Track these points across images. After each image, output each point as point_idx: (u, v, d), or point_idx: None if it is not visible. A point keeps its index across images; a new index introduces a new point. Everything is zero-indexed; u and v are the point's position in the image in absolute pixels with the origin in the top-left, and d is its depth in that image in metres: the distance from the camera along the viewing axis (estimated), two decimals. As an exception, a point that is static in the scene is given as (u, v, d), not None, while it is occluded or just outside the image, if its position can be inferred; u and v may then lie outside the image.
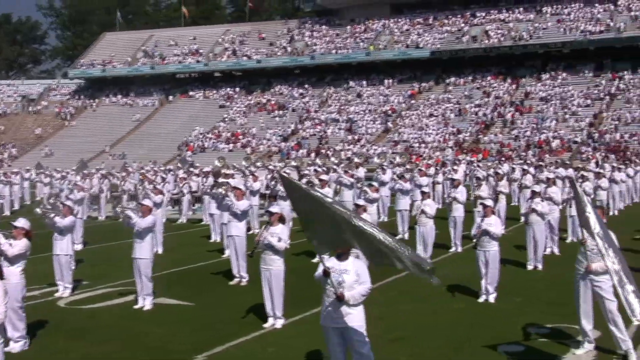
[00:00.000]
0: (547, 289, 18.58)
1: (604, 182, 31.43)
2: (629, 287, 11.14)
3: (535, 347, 13.59)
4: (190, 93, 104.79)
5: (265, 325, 15.02)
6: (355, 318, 10.47)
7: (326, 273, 10.26)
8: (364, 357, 10.45)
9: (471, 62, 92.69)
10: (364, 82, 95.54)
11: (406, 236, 27.31)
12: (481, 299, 17.13)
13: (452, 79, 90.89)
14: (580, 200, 11.81)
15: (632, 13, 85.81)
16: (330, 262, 10.47)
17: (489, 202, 17.43)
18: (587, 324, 12.93)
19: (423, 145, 77.56)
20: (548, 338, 14.09)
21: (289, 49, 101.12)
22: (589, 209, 11.67)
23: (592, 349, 12.96)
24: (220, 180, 23.76)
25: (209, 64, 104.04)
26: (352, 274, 10.51)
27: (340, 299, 10.21)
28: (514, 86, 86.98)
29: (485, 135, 77.93)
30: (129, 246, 17.20)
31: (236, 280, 19.63)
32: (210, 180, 30.98)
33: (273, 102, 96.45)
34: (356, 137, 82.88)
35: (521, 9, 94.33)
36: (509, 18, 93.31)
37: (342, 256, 10.65)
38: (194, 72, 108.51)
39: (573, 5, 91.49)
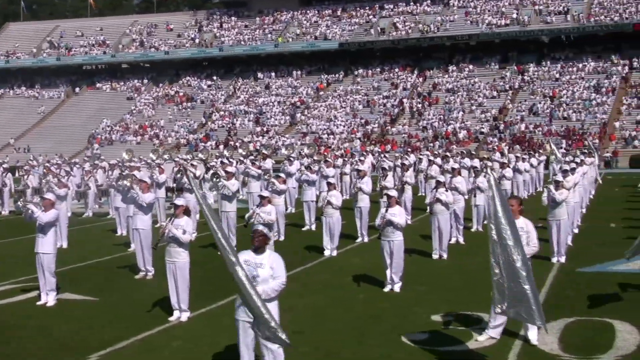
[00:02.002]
0: (451, 278, 18.82)
1: (509, 172, 31.93)
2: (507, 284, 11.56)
3: (439, 334, 13.77)
4: (97, 85, 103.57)
5: (171, 318, 14.92)
6: (269, 313, 10.38)
7: None
8: (274, 353, 10.42)
9: (379, 54, 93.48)
10: (273, 74, 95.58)
11: (313, 227, 27.43)
12: (386, 289, 17.28)
13: (361, 71, 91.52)
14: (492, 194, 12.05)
15: (537, 7, 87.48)
16: (246, 255, 10.37)
17: (393, 193, 17.55)
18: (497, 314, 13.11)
19: (331, 136, 77.91)
20: (452, 325, 14.29)
21: (197, 40, 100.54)
22: (497, 202, 11.86)
23: (495, 335, 13.16)
24: (126, 172, 23.51)
25: (116, 55, 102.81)
26: (267, 268, 10.41)
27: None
28: (421, 78, 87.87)
29: (393, 126, 78.62)
30: (33, 241, 16.91)
31: (142, 273, 19.44)
32: (116, 172, 30.61)
33: (181, 94, 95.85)
34: (265, 129, 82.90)
35: (429, 1, 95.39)
36: (417, 10, 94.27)
37: (258, 249, 10.58)
38: (100, 64, 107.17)
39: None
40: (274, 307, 10.43)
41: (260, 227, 10.82)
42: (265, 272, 10.36)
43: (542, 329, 12.43)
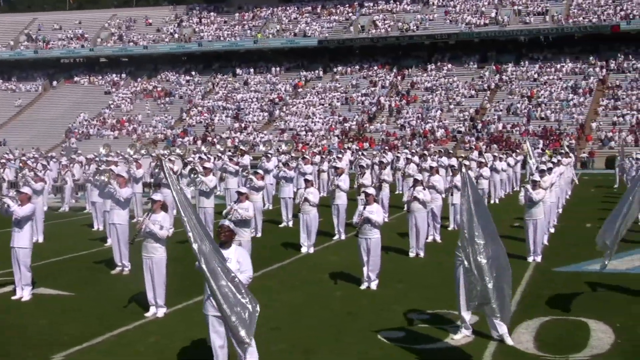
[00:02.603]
0: (428, 276, 18.87)
1: (486, 171, 31.99)
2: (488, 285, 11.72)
3: (416, 332, 13.82)
4: (75, 78, 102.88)
5: (147, 314, 14.90)
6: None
7: None
8: (248, 348, 10.44)
9: (358, 51, 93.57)
10: (252, 70, 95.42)
11: (290, 224, 27.42)
12: (363, 286, 17.31)
13: (340, 68, 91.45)
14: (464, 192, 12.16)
15: (516, 7, 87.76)
16: (213, 250, 10.40)
17: (371, 190, 17.59)
18: (465, 311, 13.19)
19: (309, 133, 77.91)
20: (428, 323, 14.34)
21: (176, 35, 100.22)
22: (470, 200, 12.00)
23: (469, 334, 13.25)
24: (103, 167, 23.43)
25: (95, 49, 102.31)
26: (234, 262, 10.48)
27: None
28: (400, 76, 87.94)
29: (371, 124, 78.68)
30: (8, 235, 16.83)
31: (118, 269, 19.38)
32: (93, 167, 30.47)
33: (159, 89, 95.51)
34: (243, 125, 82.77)
35: (409, 0, 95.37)
36: (397, 9, 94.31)
37: (224, 244, 10.61)
38: (79, 57, 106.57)
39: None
40: None
41: (227, 223, 10.87)
42: (233, 266, 10.40)
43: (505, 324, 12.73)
